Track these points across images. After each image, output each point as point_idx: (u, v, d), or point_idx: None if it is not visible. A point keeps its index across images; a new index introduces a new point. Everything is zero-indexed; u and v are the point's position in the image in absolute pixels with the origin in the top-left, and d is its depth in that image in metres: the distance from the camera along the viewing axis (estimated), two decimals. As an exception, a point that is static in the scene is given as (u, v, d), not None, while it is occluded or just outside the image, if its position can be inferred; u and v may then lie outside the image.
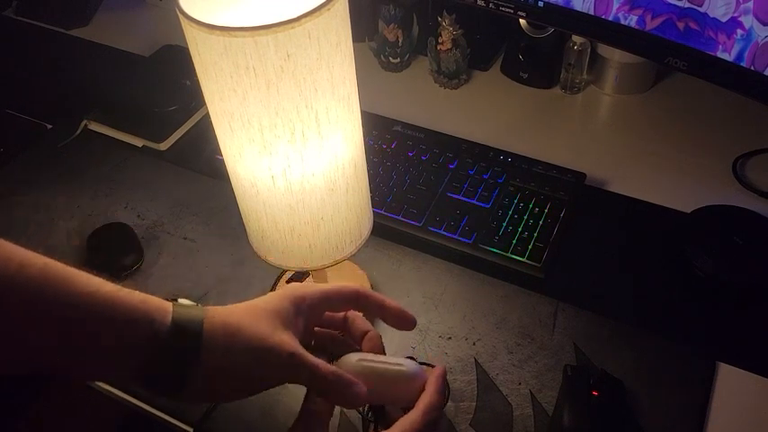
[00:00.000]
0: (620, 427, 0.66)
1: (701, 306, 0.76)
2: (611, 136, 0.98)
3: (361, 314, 0.55)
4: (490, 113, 1.03)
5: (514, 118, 1.02)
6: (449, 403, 0.69)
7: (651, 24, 0.80)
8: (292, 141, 0.54)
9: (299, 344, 0.47)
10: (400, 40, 1.08)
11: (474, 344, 0.74)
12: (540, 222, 0.82)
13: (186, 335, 0.44)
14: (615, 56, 1.00)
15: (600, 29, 0.85)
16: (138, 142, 1.00)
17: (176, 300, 0.46)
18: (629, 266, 0.80)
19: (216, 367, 0.44)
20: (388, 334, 0.75)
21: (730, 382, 0.69)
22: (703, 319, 0.75)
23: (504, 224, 0.82)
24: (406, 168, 0.90)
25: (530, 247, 0.80)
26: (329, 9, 0.50)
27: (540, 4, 0.88)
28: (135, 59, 1.17)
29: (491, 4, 0.93)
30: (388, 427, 0.48)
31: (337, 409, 0.69)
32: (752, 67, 0.74)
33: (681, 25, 0.78)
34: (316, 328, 0.54)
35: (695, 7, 0.75)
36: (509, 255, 0.80)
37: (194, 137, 1.01)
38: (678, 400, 0.68)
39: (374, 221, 0.69)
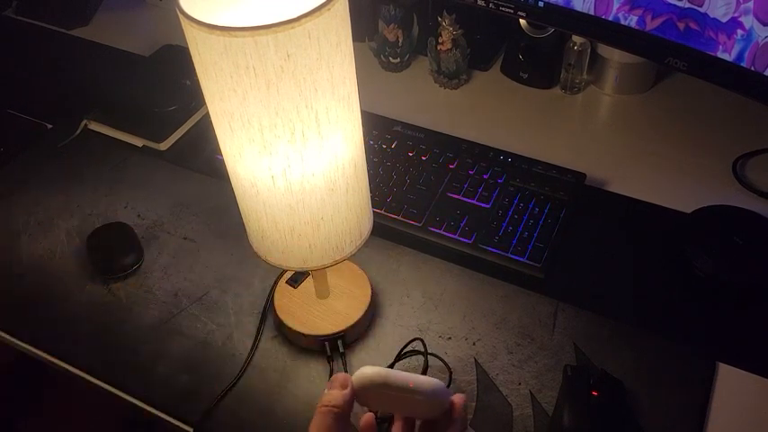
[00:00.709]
0: (620, 427, 0.66)
1: (701, 306, 0.76)
2: (611, 136, 0.98)
3: None
4: (490, 113, 1.03)
5: (514, 118, 1.02)
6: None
7: (651, 24, 0.80)
8: (292, 141, 0.54)
9: None
10: (400, 40, 1.08)
11: (474, 344, 0.74)
12: (540, 222, 0.82)
13: None
14: (615, 56, 1.00)
15: (600, 29, 0.85)
16: (138, 142, 1.00)
17: None
18: (629, 266, 0.80)
19: None
20: (389, 332, 0.75)
21: (730, 382, 0.69)
22: (703, 319, 0.75)
23: (504, 224, 0.83)
24: (406, 168, 0.90)
25: (530, 247, 0.80)
26: (329, 9, 0.50)
27: (541, 4, 0.88)
28: (135, 59, 1.17)
29: (491, 4, 0.93)
30: None
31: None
32: (752, 68, 0.74)
33: (681, 25, 0.78)
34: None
35: (695, 7, 0.75)
36: (509, 255, 0.80)
37: (194, 137, 1.01)
38: (678, 400, 0.68)
39: (374, 221, 0.69)
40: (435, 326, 0.75)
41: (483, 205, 0.85)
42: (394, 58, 1.10)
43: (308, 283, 0.77)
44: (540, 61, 1.04)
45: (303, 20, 0.48)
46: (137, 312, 0.79)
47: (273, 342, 0.75)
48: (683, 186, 0.89)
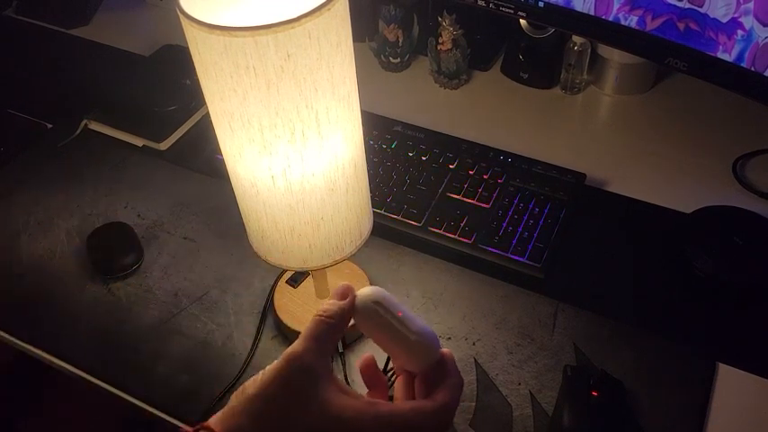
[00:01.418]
0: (620, 428, 0.66)
1: (701, 306, 0.76)
2: (611, 136, 0.98)
3: None
4: (490, 114, 1.03)
5: (514, 118, 1.02)
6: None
7: (651, 25, 0.80)
8: (292, 141, 0.54)
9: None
10: (400, 40, 1.08)
11: (474, 344, 0.74)
12: (540, 223, 0.82)
13: None
14: (615, 56, 1.00)
15: (600, 29, 0.85)
16: (139, 142, 1.00)
17: None
18: (629, 266, 0.80)
19: None
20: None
21: (730, 382, 0.69)
22: (703, 319, 0.75)
23: (504, 224, 0.82)
24: (406, 168, 0.90)
25: (530, 247, 0.80)
26: (329, 9, 0.50)
27: (541, 4, 0.88)
28: (135, 59, 1.17)
29: (491, 5, 0.93)
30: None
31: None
32: (752, 68, 0.74)
33: (681, 26, 0.78)
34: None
35: (695, 8, 0.75)
36: (509, 255, 0.80)
37: (194, 137, 1.01)
38: (678, 400, 0.68)
39: (374, 221, 0.69)
40: (435, 326, 0.75)
41: (483, 205, 0.85)
42: (394, 58, 1.10)
43: (308, 283, 0.77)
44: (541, 61, 1.04)
45: (303, 20, 0.48)
46: (137, 312, 0.79)
47: (273, 342, 0.75)
48: (683, 186, 0.89)
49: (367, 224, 0.67)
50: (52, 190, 0.94)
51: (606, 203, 0.88)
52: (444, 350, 0.50)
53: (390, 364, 0.58)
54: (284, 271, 0.79)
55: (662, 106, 1.02)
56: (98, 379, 0.74)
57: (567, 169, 0.88)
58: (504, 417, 0.68)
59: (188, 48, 0.53)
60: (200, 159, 0.97)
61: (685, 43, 0.78)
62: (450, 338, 0.74)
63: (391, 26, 1.06)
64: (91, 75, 1.14)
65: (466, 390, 0.70)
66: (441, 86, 1.08)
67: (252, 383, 0.45)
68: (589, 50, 1.00)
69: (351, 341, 0.74)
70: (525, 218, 0.83)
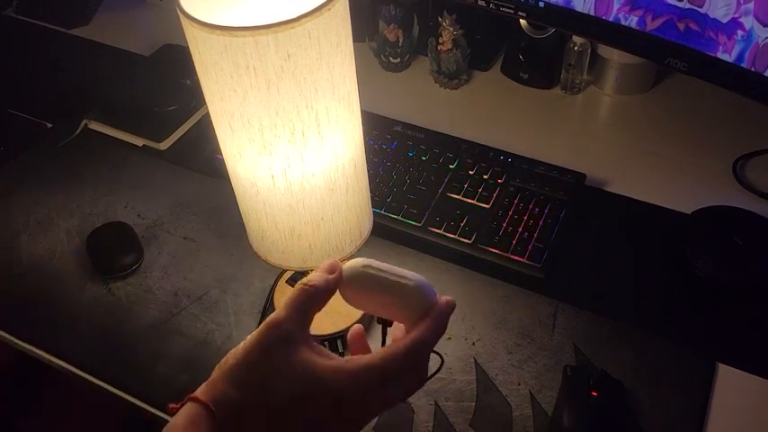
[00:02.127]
0: (620, 428, 0.66)
1: (701, 306, 0.76)
2: (611, 136, 0.98)
3: None
4: (490, 114, 1.03)
5: (515, 118, 1.02)
6: (449, 403, 0.69)
7: (651, 25, 0.80)
8: (292, 141, 0.54)
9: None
10: (400, 40, 1.08)
11: (474, 344, 0.74)
12: (540, 223, 0.82)
13: None
14: (615, 56, 1.00)
15: (600, 29, 0.84)
16: (139, 142, 1.00)
17: None
18: (629, 267, 0.80)
19: None
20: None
21: (730, 382, 0.69)
22: (703, 319, 0.75)
23: (504, 224, 0.82)
24: (406, 168, 0.90)
25: (530, 247, 0.80)
26: (329, 9, 0.50)
27: (541, 4, 0.88)
28: (135, 59, 1.17)
29: (491, 5, 0.93)
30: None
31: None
32: (752, 68, 0.74)
33: (681, 26, 0.78)
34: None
35: (696, 8, 0.75)
36: (509, 255, 0.80)
37: (194, 136, 1.01)
38: (678, 400, 0.68)
39: (374, 221, 0.69)
40: (435, 326, 0.75)
41: (483, 205, 0.85)
42: (394, 58, 1.10)
43: (307, 283, 0.77)
44: (541, 61, 1.04)
45: (303, 20, 0.48)
46: (137, 312, 0.79)
47: (273, 342, 0.75)
48: (683, 186, 0.89)
49: (367, 224, 0.67)
50: (52, 190, 0.94)
51: (606, 203, 0.88)
52: (441, 297, 0.51)
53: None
54: (284, 271, 0.79)
55: (662, 106, 1.02)
56: (98, 379, 0.74)
57: (567, 169, 0.88)
58: (504, 417, 0.68)
59: (188, 48, 0.53)
60: (201, 159, 0.97)
61: (685, 43, 0.78)
62: (450, 338, 0.74)
63: (391, 26, 1.06)
64: (91, 75, 1.14)
65: (466, 390, 0.70)
66: (441, 86, 1.08)
67: (233, 353, 0.47)
68: (589, 50, 1.00)
69: (351, 341, 0.74)
70: (525, 218, 0.83)
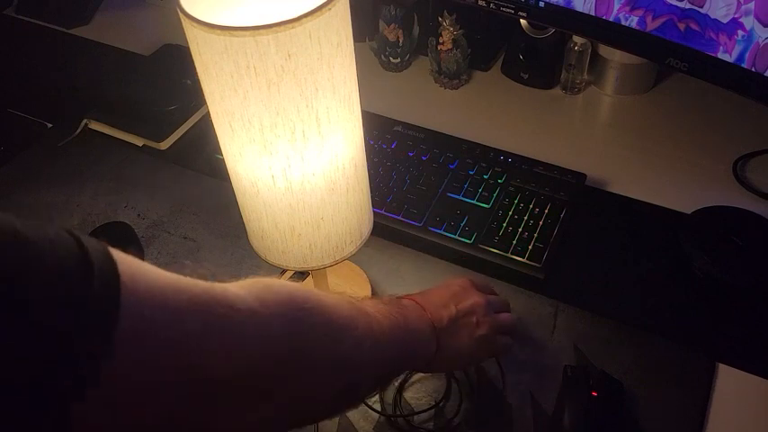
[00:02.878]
0: (620, 428, 0.66)
1: (701, 306, 0.76)
2: (611, 136, 0.98)
3: None
4: (490, 114, 1.03)
5: (515, 118, 1.02)
6: (449, 403, 0.69)
7: (652, 25, 0.80)
8: (293, 141, 0.54)
9: None
10: (401, 40, 1.08)
11: (474, 344, 0.74)
12: (541, 223, 0.82)
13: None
14: (616, 56, 1.00)
15: (601, 29, 0.84)
16: (139, 141, 1.00)
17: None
18: (629, 267, 0.80)
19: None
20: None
21: (730, 382, 0.69)
22: (703, 319, 0.75)
23: (505, 224, 0.82)
24: (407, 168, 0.90)
25: (530, 247, 0.80)
26: (330, 9, 0.50)
27: (541, 4, 0.88)
28: (135, 58, 1.17)
29: (492, 5, 0.93)
30: None
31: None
32: (753, 69, 0.74)
33: (682, 26, 0.78)
34: None
35: (696, 8, 0.75)
36: (509, 255, 0.80)
37: (194, 136, 1.01)
38: (678, 400, 0.68)
39: (374, 221, 0.69)
40: (435, 326, 0.75)
41: (483, 205, 0.85)
42: (394, 58, 1.10)
43: (307, 283, 0.77)
44: (541, 61, 1.04)
45: (304, 20, 0.48)
46: (137, 312, 0.79)
47: (273, 342, 0.75)
48: (683, 187, 0.89)
49: (367, 224, 0.67)
50: (52, 189, 0.94)
51: (606, 203, 0.88)
52: None
53: None
54: (284, 271, 0.79)
55: (662, 106, 1.02)
56: (98, 379, 0.74)
57: (568, 169, 0.88)
58: (504, 417, 0.68)
59: (188, 47, 0.53)
60: (201, 159, 0.97)
61: (686, 43, 0.78)
62: (450, 338, 0.74)
63: (392, 26, 1.06)
64: (91, 74, 1.14)
65: (466, 390, 0.70)
66: (441, 86, 1.08)
67: None
68: (589, 50, 1.00)
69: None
70: (525, 218, 0.83)
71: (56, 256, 0.32)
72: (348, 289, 0.76)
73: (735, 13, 0.73)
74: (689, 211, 0.83)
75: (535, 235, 0.81)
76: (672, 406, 0.67)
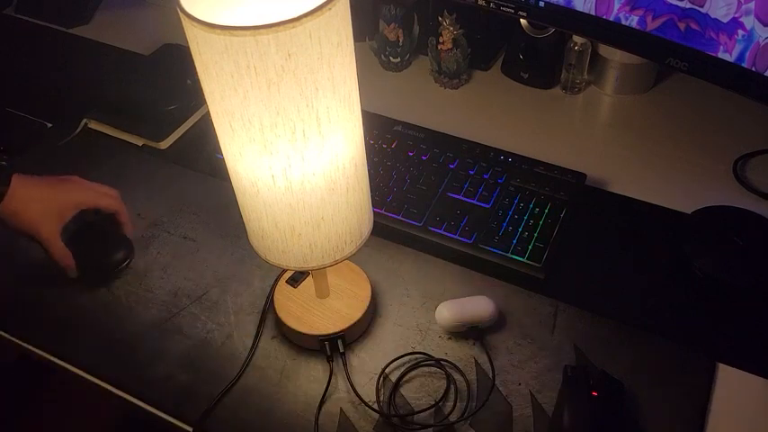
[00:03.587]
0: (620, 428, 0.66)
1: (701, 306, 0.76)
2: (611, 136, 0.98)
3: None
4: (490, 113, 1.03)
5: (515, 118, 1.02)
6: (448, 403, 0.69)
7: (652, 25, 0.80)
8: (293, 141, 0.54)
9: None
10: (401, 40, 1.08)
11: (474, 344, 0.74)
12: (541, 222, 0.82)
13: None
14: (616, 56, 1.00)
15: (601, 29, 0.84)
16: (139, 141, 1.00)
17: None
18: (629, 267, 0.80)
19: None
20: (389, 332, 0.75)
21: (730, 382, 0.69)
22: (703, 319, 0.75)
23: (505, 224, 0.82)
24: (407, 168, 0.90)
25: (530, 247, 0.80)
26: (330, 9, 0.50)
27: (541, 4, 0.88)
28: (135, 58, 1.17)
29: (492, 4, 0.93)
30: None
31: (337, 408, 0.69)
32: (753, 68, 0.74)
33: (682, 26, 0.78)
34: None
35: (696, 8, 0.75)
36: (509, 255, 0.80)
37: (194, 136, 1.01)
38: (678, 400, 0.68)
39: (374, 221, 0.69)
40: (435, 326, 0.75)
41: (483, 205, 0.85)
42: (394, 58, 1.10)
43: (308, 283, 0.77)
44: (541, 61, 1.04)
45: (304, 19, 0.48)
46: (136, 312, 0.79)
47: (273, 342, 0.75)
48: (683, 186, 0.89)
49: (367, 224, 0.67)
50: (52, 189, 0.94)
51: (606, 203, 0.88)
52: None
53: None
54: (284, 271, 0.79)
55: (662, 106, 1.02)
56: (98, 379, 0.74)
57: (568, 169, 0.88)
58: (504, 417, 0.68)
59: (188, 47, 0.52)
60: (201, 159, 0.97)
61: (686, 43, 0.78)
62: (450, 338, 0.74)
63: (392, 26, 1.06)
64: (91, 74, 1.14)
65: (466, 389, 0.70)
66: (441, 86, 1.08)
67: None
68: (589, 50, 1.00)
69: (351, 341, 0.74)
70: (525, 218, 0.83)
71: None
72: (348, 289, 0.76)
73: (735, 13, 0.73)
74: (689, 211, 0.83)
75: (535, 235, 0.81)
76: (672, 406, 0.67)
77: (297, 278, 0.78)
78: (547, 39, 1.02)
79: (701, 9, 0.75)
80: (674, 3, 0.77)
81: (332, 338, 0.72)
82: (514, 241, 0.81)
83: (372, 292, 0.76)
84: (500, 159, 0.90)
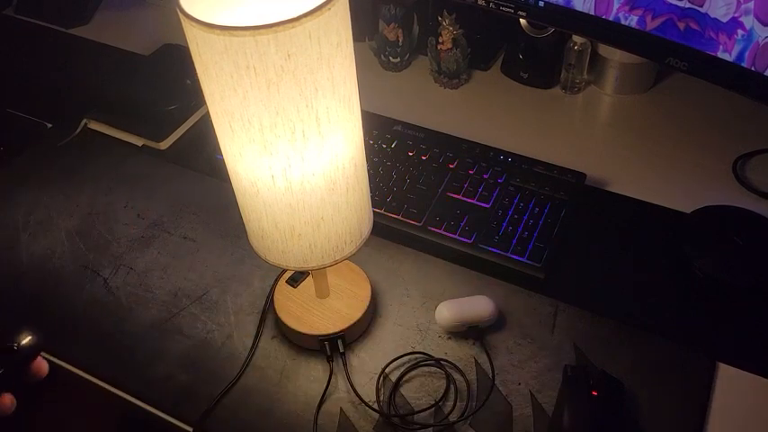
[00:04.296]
0: (620, 428, 0.66)
1: (701, 306, 0.76)
2: (611, 136, 0.98)
3: None
4: (490, 113, 1.03)
5: (514, 118, 1.02)
6: (449, 402, 0.69)
7: (651, 24, 0.80)
8: (293, 141, 0.54)
9: None
10: (400, 40, 1.08)
11: (474, 344, 0.74)
12: (540, 222, 0.82)
13: None
14: (615, 56, 1.00)
15: (600, 29, 0.84)
16: (138, 141, 1.00)
17: None
18: (629, 267, 0.80)
19: None
20: (389, 332, 0.75)
21: (730, 382, 0.69)
22: (703, 319, 0.75)
23: (504, 224, 0.82)
24: (406, 168, 0.90)
25: (530, 247, 0.80)
26: (330, 9, 0.50)
27: (541, 3, 0.88)
28: (135, 58, 1.17)
29: (491, 4, 0.93)
30: None
31: (337, 408, 0.69)
32: (752, 68, 0.74)
33: (681, 25, 0.78)
34: None
35: (696, 7, 0.75)
36: (509, 255, 0.80)
37: (194, 136, 1.01)
38: (678, 400, 0.68)
39: (374, 221, 0.69)
40: (435, 326, 0.75)
41: (483, 205, 0.85)
42: (394, 58, 1.10)
43: (308, 283, 0.77)
44: (541, 61, 1.04)
45: (304, 19, 0.48)
46: (136, 312, 0.79)
47: (273, 342, 0.75)
48: (683, 186, 0.89)
49: (367, 224, 0.67)
50: (52, 190, 0.94)
51: (606, 203, 0.88)
52: None
53: None
54: (284, 271, 0.79)
55: (662, 106, 1.02)
56: (98, 379, 0.74)
57: (567, 169, 0.88)
58: (505, 416, 0.68)
59: (188, 47, 0.52)
60: (201, 159, 0.97)
61: (685, 43, 0.78)
62: (449, 338, 0.74)
63: (391, 26, 1.06)
64: (91, 74, 1.14)
65: (465, 389, 0.70)
66: (441, 86, 1.08)
67: None
68: (589, 50, 1.00)
69: (351, 341, 0.74)
70: (525, 218, 0.83)
71: None
72: (348, 289, 0.76)
73: (734, 13, 0.73)
74: (689, 211, 0.83)
75: (535, 234, 0.81)
76: (672, 406, 0.67)
77: (297, 278, 0.78)
78: (546, 39, 1.02)
79: (700, 9, 0.75)
80: (674, 2, 0.77)
81: (332, 338, 0.72)
82: (514, 241, 0.81)
83: (372, 292, 0.76)
84: (500, 159, 0.90)
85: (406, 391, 0.70)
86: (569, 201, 0.85)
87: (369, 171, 0.66)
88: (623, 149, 0.95)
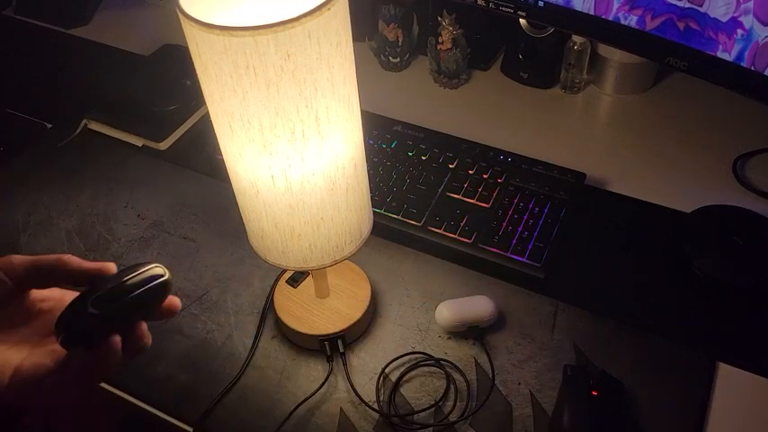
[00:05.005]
0: (620, 428, 0.66)
1: (701, 306, 0.76)
2: (611, 136, 0.98)
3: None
4: (490, 113, 1.03)
5: (514, 118, 1.02)
6: (449, 402, 0.69)
7: (651, 24, 0.80)
8: (292, 141, 0.54)
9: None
10: (400, 40, 1.08)
11: (474, 344, 0.74)
12: (540, 222, 0.82)
13: None
14: (615, 56, 1.00)
15: (600, 29, 0.84)
16: (138, 141, 1.00)
17: None
18: (629, 267, 0.80)
19: None
20: (389, 332, 0.75)
21: (730, 382, 0.69)
22: (703, 319, 0.75)
23: (504, 224, 0.82)
24: (406, 168, 0.90)
25: (530, 247, 0.80)
26: (329, 9, 0.50)
27: (540, 3, 0.88)
28: (135, 59, 1.17)
29: (491, 4, 0.93)
30: None
31: (337, 408, 0.69)
32: (752, 68, 0.74)
33: (681, 25, 0.78)
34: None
35: (695, 7, 0.75)
36: (509, 255, 0.80)
37: (194, 136, 1.01)
38: (678, 400, 0.68)
39: (374, 221, 0.69)
40: (435, 326, 0.75)
41: (483, 205, 0.85)
42: (394, 58, 1.10)
43: (308, 283, 0.77)
44: (540, 61, 1.04)
45: (303, 19, 0.48)
46: (136, 312, 0.79)
47: (273, 342, 0.75)
48: (683, 186, 0.89)
49: (367, 224, 0.67)
50: (52, 190, 0.94)
51: (606, 203, 0.88)
52: None
53: None
54: (284, 271, 0.79)
55: (662, 106, 1.02)
56: (98, 379, 0.74)
57: (567, 169, 0.88)
58: (505, 416, 0.68)
59: (188, 48, 0.52)
60: (201, 159, 0.97)
61: (685, 43, 0.78)
62: (449, 338, 0.74)
63: (391, 26, 1.06)
64: (91, 75, 1.14)
65: (465, 389, 0.70)
66: (441, 86, 1.08)
67: None
68: (589, 50, 1.00)
69: (351, 341, 0.74)
70: (525, 217, 0.83)
71: None
72: (348, 289, 0.76)
73: (734, 12, 0.73)
74: (689, 211, 0.83)
75: (535, 234, 0.81)
76: (672, 406, 0.67)
77: (297, 278, 0.78)
78: (546, 38, 1.02)
79: (700, 8, 0.75)
80: (673, 2, 0.77)
81: (332, 338, 0.72)
82: (514, 241, 0.81)
83: (372, 292, 0.76)
84: (500, 159, 0.90)
85: (406, 391, 0.70)
86: (569, 201, 0.85)
87: (369, 171, 0.66)
88: (623, 149, 0.95)
